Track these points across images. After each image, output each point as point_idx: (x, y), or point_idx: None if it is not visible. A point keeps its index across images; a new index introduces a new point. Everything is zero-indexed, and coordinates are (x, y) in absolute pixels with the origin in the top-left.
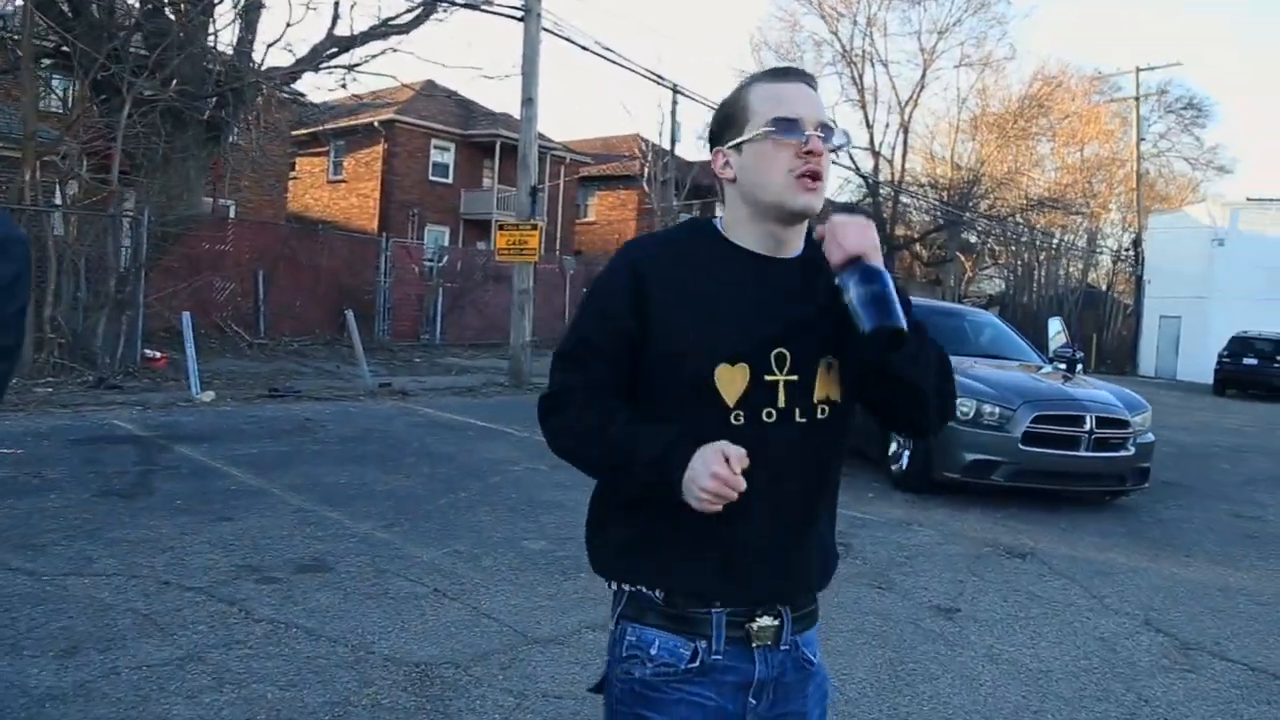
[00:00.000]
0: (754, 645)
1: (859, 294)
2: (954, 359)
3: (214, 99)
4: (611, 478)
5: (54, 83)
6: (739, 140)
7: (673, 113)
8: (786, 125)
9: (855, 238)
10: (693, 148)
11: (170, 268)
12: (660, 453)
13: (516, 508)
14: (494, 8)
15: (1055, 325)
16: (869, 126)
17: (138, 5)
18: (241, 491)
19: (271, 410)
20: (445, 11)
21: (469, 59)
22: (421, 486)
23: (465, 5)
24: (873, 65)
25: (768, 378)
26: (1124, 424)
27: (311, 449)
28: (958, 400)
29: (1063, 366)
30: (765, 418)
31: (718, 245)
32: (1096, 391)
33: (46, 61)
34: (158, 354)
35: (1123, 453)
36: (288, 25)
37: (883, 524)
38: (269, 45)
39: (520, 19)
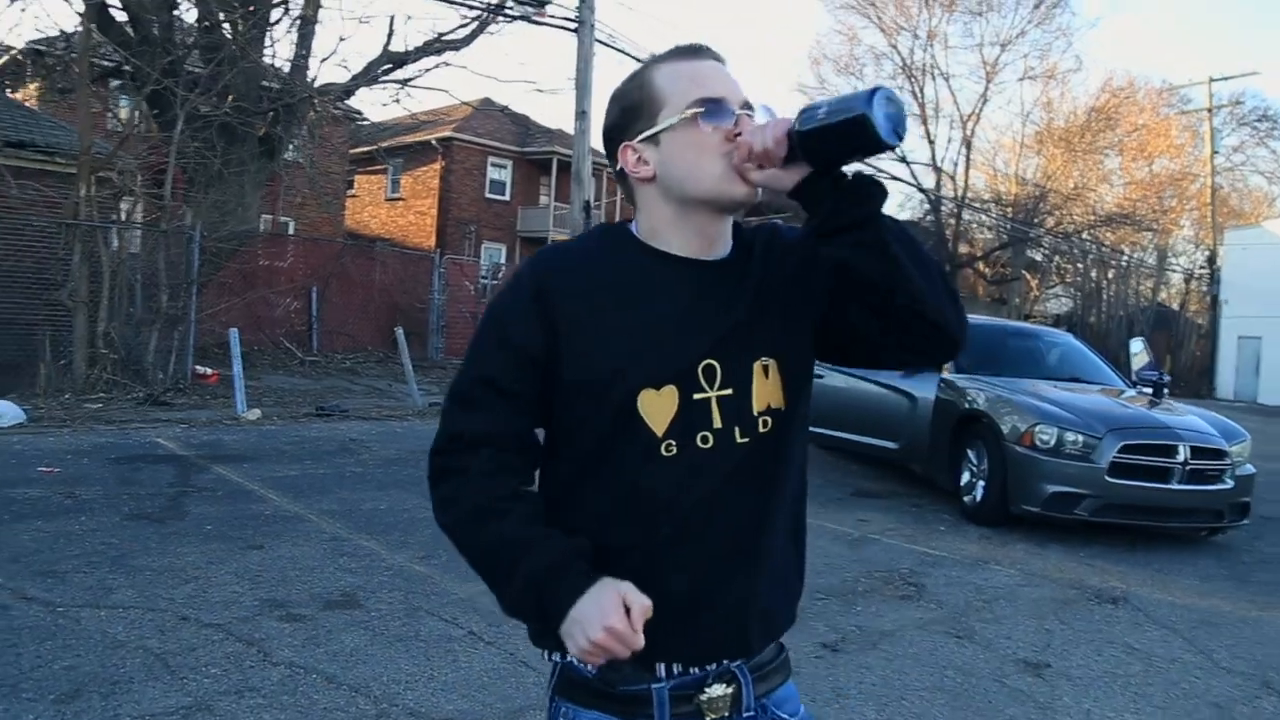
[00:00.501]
0: (707, 719)
1: (828, 103)
2: (1030, 383)
3: (268, 114)
4: (488, 578)
5: (120, 101)
6: (656, 129)
7: None
8: (713, 106)
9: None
10: None
11: (225, 283)
12: (548, 566)
13: None
14: (547, 20)
15: (1136, 345)
16: (930, 141)
17: (195, 23)
18: (275, 517)
19: (317, 430)
20: (499, 25)
21: (523, 75)
22: None
23: (519, 17)
24: (934, 79)
25: (697, 396)
26: (1221, 454)
27: (353, 471)
28: (1038, 427)
29: (1148, 390)
30: (701, 443)
31: (637, 253)
32: (1188, 418)
33: (115, 82)
34: (209, 370)
35: (1220, 486)
36: (340, 40)
37: (957, 562)
38: (323, 61)
39: (574, 30)
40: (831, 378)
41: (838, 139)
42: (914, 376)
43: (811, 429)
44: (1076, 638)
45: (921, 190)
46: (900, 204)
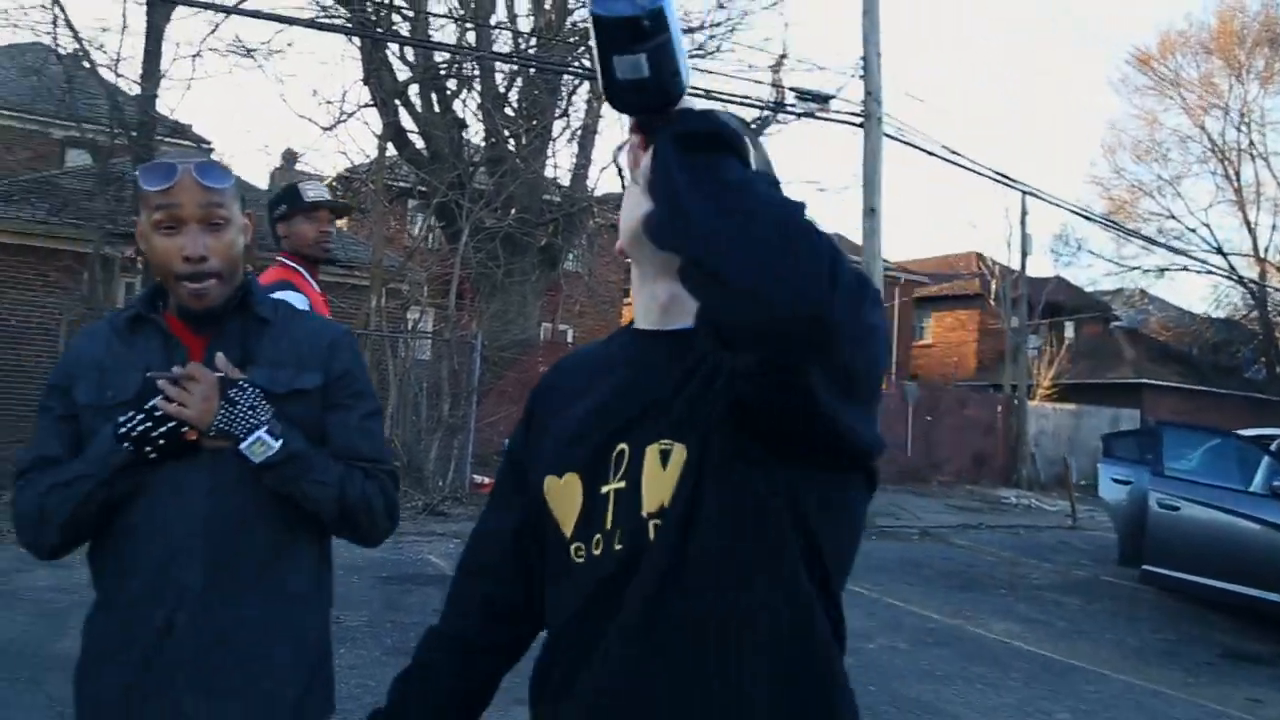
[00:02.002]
0: None
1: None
2: None
3: (550, 224)
4: None
5: (415, 219)
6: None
7: (1022, 222)
8: (623, 151)
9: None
10: (1042, 262)
11: (505, 391)
12: None
13: (874, 708)
14: (831, 115)
15: None
16: (1250, 229)
17: (483, 141)
18: None
19: None
20: (780, 124)
21: (803, 172)
22: None
23: (802, 114)
24: (1251, 160)
25: (604, 489)
26: None
27: None
28: None
29: None
30: (594, 549)
31: (620, 335)
32: None
33: (413, 203)
34: (487, 479)
35: None
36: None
37: None
38: (602, 169)
39: (860, 125)
40: (1188, 509)
41: (607, 52)
42: None
43: (1165, 572)
44: None
45: (1243, 284)
46: (1218, 299)
